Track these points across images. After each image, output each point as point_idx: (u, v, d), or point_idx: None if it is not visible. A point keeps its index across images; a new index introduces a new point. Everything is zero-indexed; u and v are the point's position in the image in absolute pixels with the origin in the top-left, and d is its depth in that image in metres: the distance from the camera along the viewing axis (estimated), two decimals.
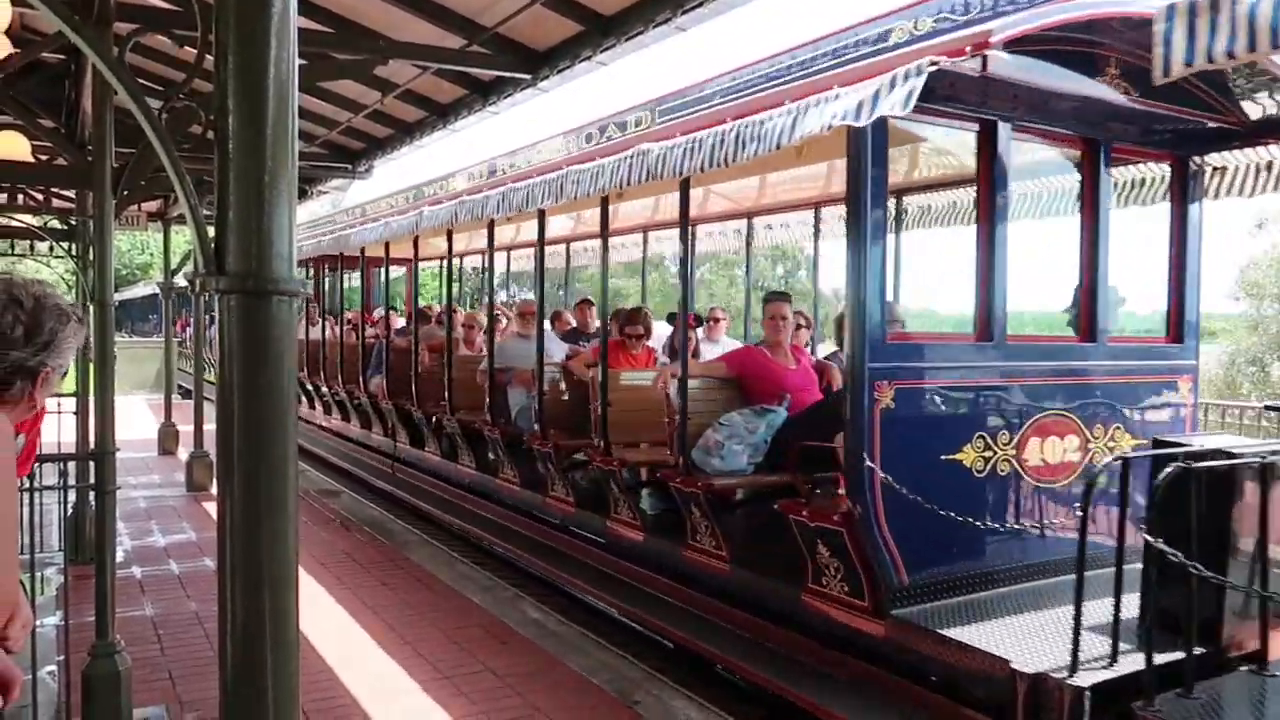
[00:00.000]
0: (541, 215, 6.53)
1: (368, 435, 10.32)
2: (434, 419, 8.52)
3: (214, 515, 6.34)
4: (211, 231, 1.51)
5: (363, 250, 10.00)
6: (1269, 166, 4.83)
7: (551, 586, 6.75)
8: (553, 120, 8.31)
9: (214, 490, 6.47)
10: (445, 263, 8.53)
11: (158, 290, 14.31)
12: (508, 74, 6.49)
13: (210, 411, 10.65)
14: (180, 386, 16.47)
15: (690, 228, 8.30)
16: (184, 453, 10.64)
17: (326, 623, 5.36)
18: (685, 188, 5.18)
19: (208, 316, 15.79)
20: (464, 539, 8.24)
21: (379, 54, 6.00)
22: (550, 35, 6.08)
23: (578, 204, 5.79)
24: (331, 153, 10.10)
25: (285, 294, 1.43)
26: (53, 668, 4.41)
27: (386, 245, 9.35)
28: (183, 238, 12.74)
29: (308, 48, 1.36)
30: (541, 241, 6.87)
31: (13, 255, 11.68)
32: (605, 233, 6.14)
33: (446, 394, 8.14)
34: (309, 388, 12.00)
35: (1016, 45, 3.48)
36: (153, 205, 11.87)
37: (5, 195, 8.53)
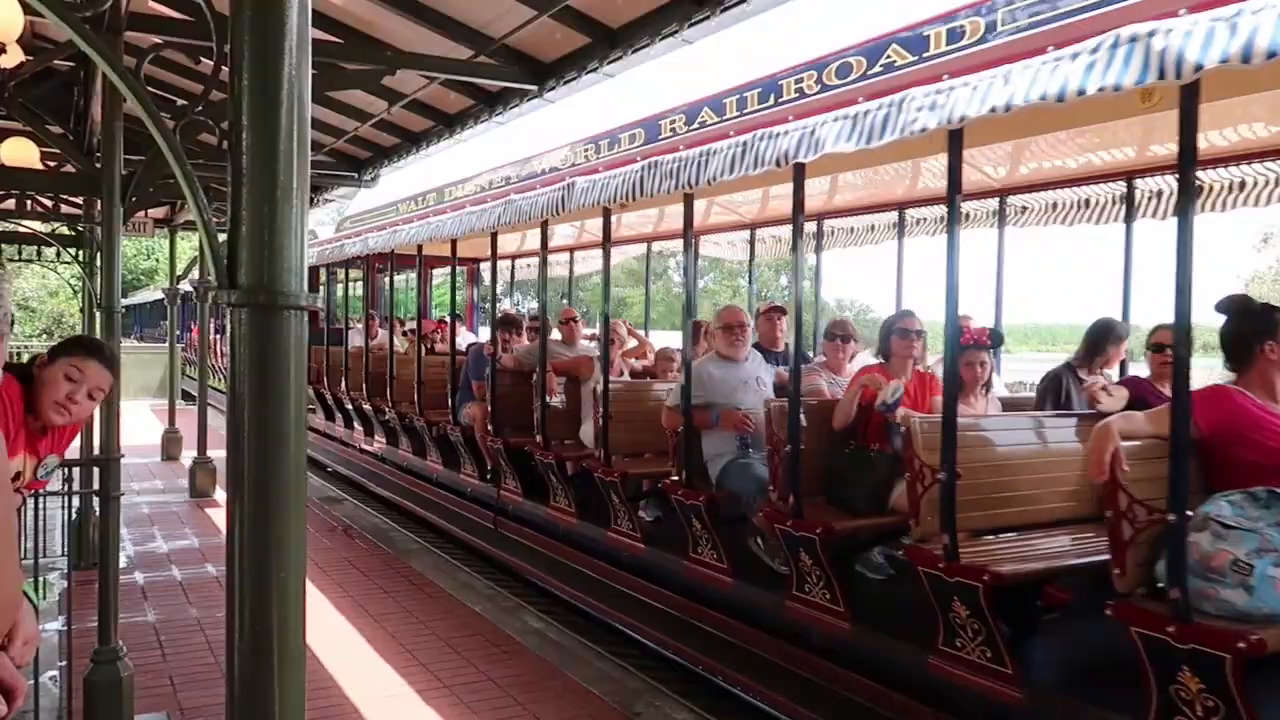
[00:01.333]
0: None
1: (455, 476, 8.26)
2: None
3: (216, 521, 6.41)
4: (222, 238, 1.53)
5: (420, 249, 8.76)
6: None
7: (557, 599, 6.75)
8: (561, 130, 8.34)
9: (216, 496, 6.54)
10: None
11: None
12: (515, 85, 6.52)
13: (213, 418, 10.68)
14: (184, 392, 16.51)
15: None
16: (187, 458, 10.66)
17: (328, 630, 5.37)
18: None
19: (213, 323, 15.83)
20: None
21: (387, 64, 6.04)
22: (557, 47, 6.11)
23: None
24: (338, 161, 10.14)
25: (296, 307, 1.45)
26: (54, 673, 4.42)
27: (453, 243, 8.04)
28: (188, 244, 12.82)
29: (318, 58, 1.37)
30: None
31: (20, 261, 11.73)
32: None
33: (593, 433, 6.22)
34: (365, 408, 10.31)
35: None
36: (159, 212, 11.92)
37: (14, 201, 8.56)
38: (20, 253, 10.99)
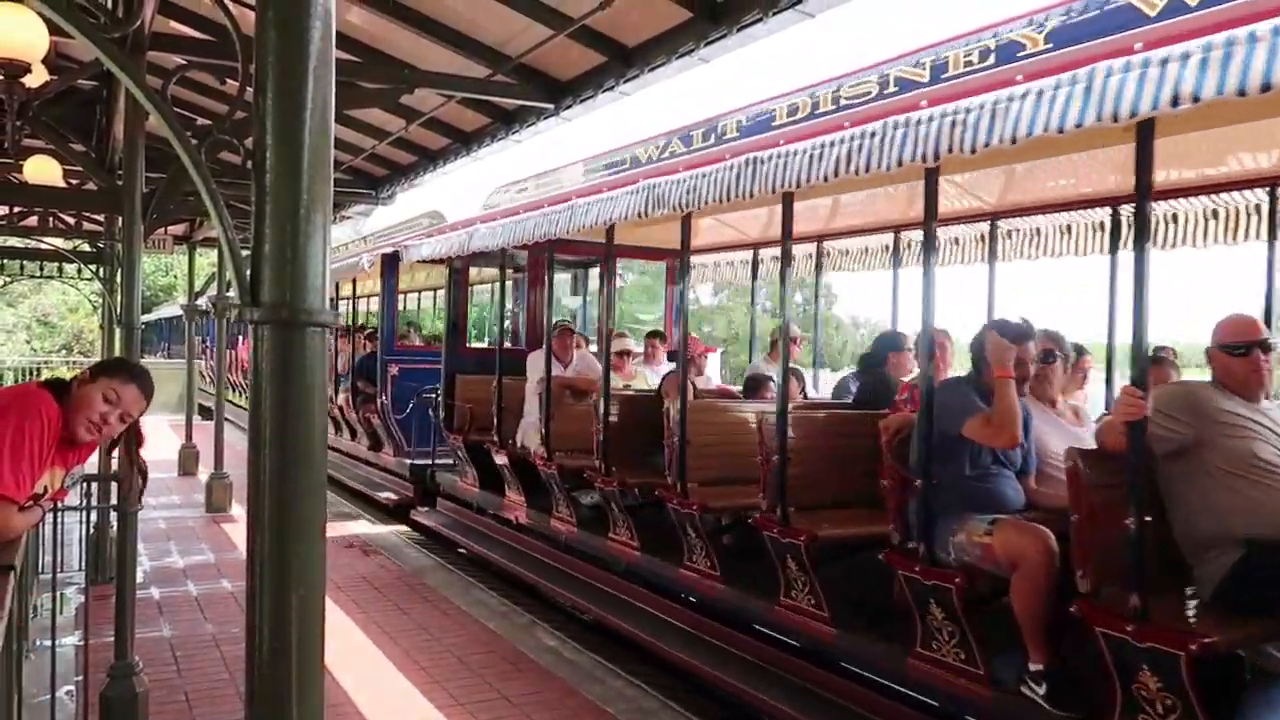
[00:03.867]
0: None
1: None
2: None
3: (232, 536, 6.42)
4: (245, 253, 1.54)
5: (610, 231, 6.09)
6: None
7: (563, 611, 6.73)
8: (574, 146, 8.31)
9: (233, 511, 6.55)
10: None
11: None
12: (531, 103, 6.56)
13: (230, 433, 10.75)
14: (201, 407, 16.59)
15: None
16: (204, 474, 10.71)
17: (342, 646, 5.37)
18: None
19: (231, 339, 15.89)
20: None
21: (405, 83, 6.08)
22: (573, 66, 6.15)
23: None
24: (355, 178, 10.22)
25: (318, 325, 1.46)
26: (70, 688, 4.43)
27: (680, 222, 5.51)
28: (207, 260, 12.91)
29: (337, 76, 1.39)
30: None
31: (41, 277, 11.86)
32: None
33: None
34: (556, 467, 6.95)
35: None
36: (179, 228, 12.03)
37: (36, 218, 8.67)
38: (42, 269, 11.11)
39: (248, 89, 1.54)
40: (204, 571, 7.20)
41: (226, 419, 10.70)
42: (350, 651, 5.32)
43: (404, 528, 9.73)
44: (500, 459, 7.80)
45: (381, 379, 10.73)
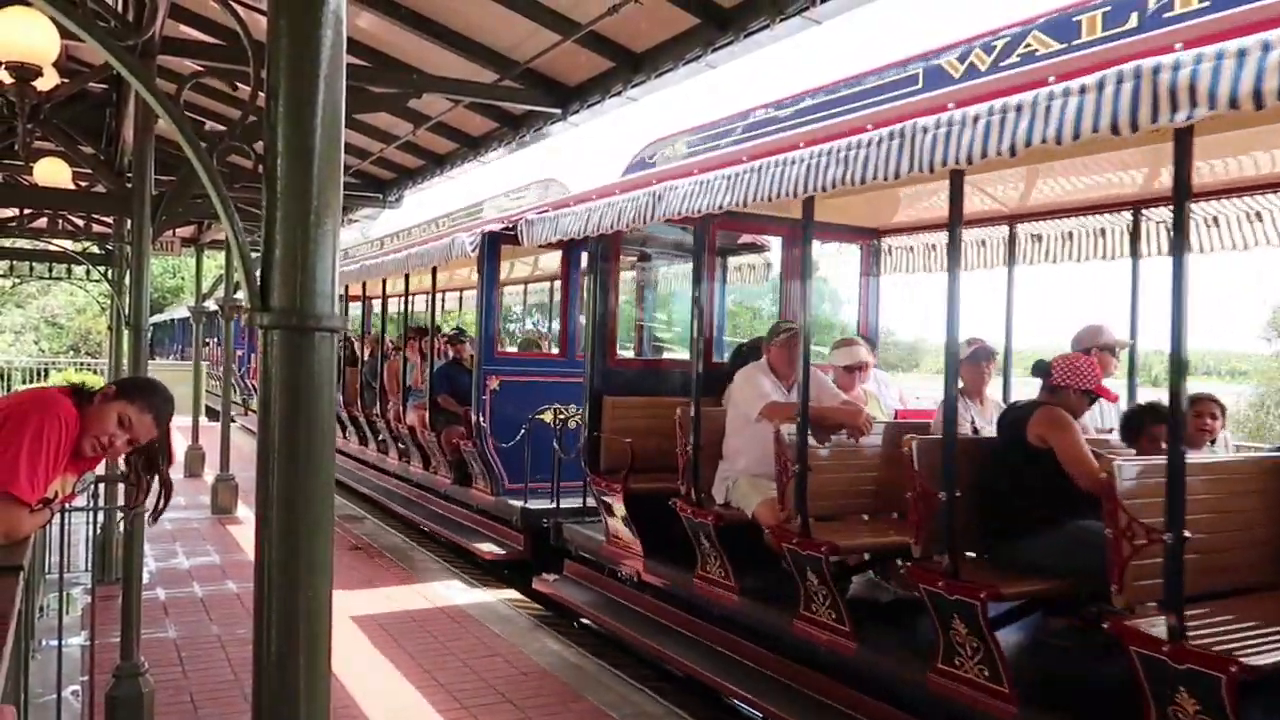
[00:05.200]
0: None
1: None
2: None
3: (238, 538, 6.43)
4: (255, 256, 1.55)
5: (809, 204, 4.66)
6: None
7: (572, 615, 6.72)
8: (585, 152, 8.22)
9: (239, 513, 6.57)
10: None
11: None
12: (539, 108, 6.58)
13: (235, 435, 10.76)
14: (207, 408, 16.63)
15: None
16: (210, 475, 10.73)
17: (347, 649, 5.37)
18: None
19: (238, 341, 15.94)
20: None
21: (413, 87, 6.11)
22: (581, 71, 6.17)
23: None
24: (363, 182, 10.25)
25: (327, 330, 1.47)
26: (76, 688, 4.45)
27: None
28: (214, 262, 12.94)
29: (346, 81, 1.40)
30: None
31: (50, 278, 11.92)
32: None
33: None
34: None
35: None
36: (186, 230, 12.08)
37: (45, 220, 8.71)
38: (51, 270, 11.17)
39: (259, 94, 1.55)
40: (209, 573, 7.22)
41: (233, 419, 10.70)
42: (355, 654, 5.33)
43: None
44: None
45: (477, 396, 8.26)
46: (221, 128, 7.47)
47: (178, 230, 11.53)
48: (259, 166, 1.48)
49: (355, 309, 14.15)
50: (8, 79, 4.04)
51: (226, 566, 7.42)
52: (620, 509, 5.97)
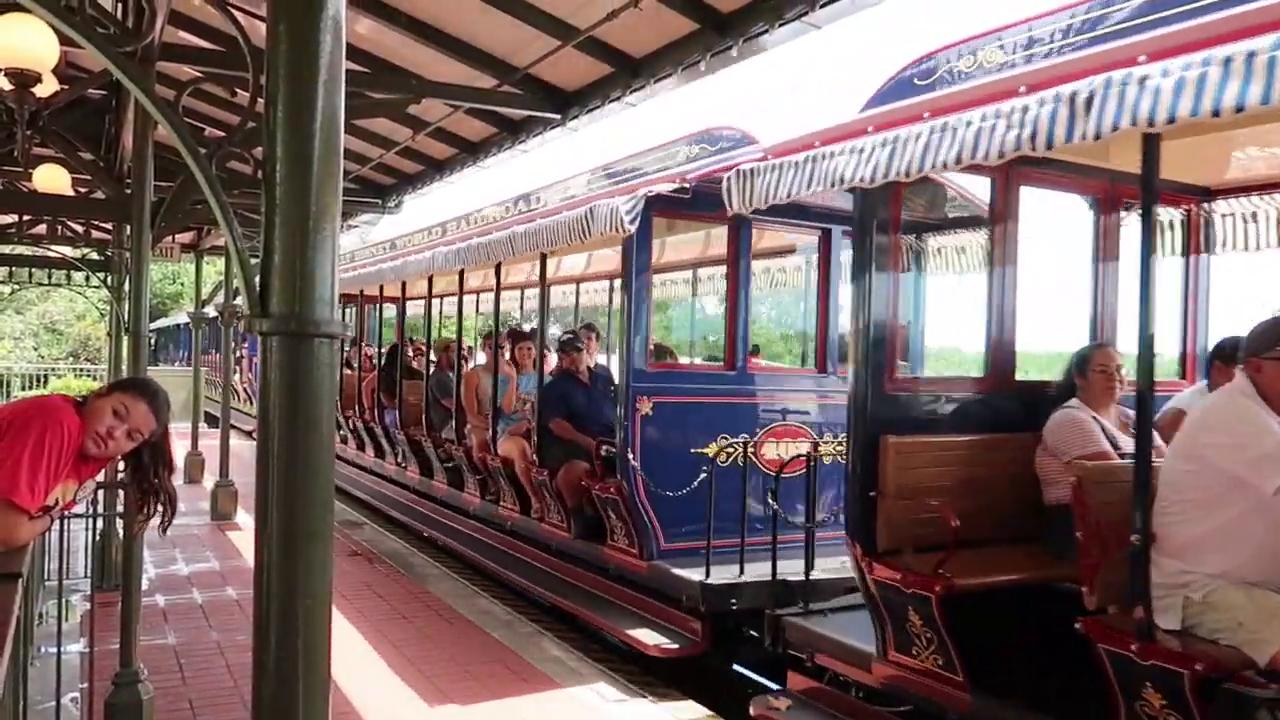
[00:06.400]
0: None
1: None
2: None
3: (237, 544, 6.40)
4: (254, 262, 1.56)
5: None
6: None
7: (572, 623, 6.70)
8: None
9: (238, 519, 6.54)
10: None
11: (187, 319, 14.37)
12: (538, 113, 6.59)
13: (235, 441, 10.76)
14: (206, 414, 16.62)
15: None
16: (209, 481, 10.72)
17: (347, 655, 5.36)
18: None
19: (238, 347, 15.93)
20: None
21: (413, 93, 6.12)
22: (580, 77, 6.18)
23: None
24: (362, 188, 10.26)
25: (326, 336, 1.47)
26: (75, 695, 4.44)
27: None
28: (214, 268, 12.93)
29: (345, 87, 1.40)
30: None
31: (49, 285, 11.92)
32: None
33: None
34: None
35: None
36: (186, 236, 12.08)
37: (45, 227, 8.72)
38: (50, 276, 11.17)
39: (258, 99, 1.55)
40: (209, 579, 7.21)
41: (233, 425, 10.68)
42: (355, 660, 5.31)
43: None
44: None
45: (625, 422, 6.04)
46: (221, 134, 7.47)
47: (177, 236, 11.52)
48: (258, 172, 1.48)
49: (352, 309, 13.89)
50: (7, 85, 4.05)
51: (226, 573, 7.41)
52: (929, 613, 3.75)
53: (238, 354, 20.77)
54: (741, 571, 5.44)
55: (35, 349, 32.66)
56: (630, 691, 5.03)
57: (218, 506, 9.60)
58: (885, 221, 4.22)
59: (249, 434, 17.41)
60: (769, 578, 5.23)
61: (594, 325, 8.82)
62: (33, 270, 11.06)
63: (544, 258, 7.28)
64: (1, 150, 6.37)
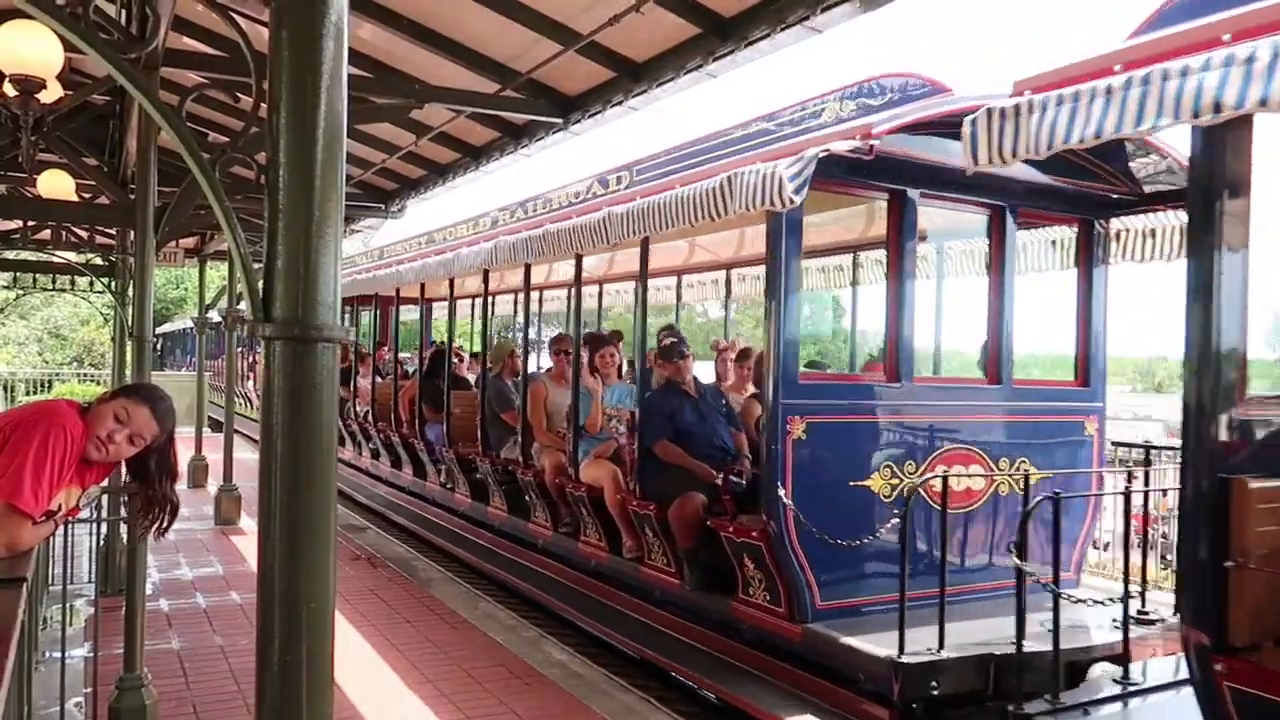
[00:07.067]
0: None
1: None
2: None
3: (241, 549, 6.39)
4: (256, 267, 1.56)
5: None
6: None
7: (574, 626, 6.69)
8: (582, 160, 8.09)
9: (242, 524, 6.54)
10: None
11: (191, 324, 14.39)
12: (540, 118, 6.60)
13: (240, 445, 10.76)
14: (210, 418, 16.64)
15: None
16: (213, 486, 10.73)
17: (350, 660, 5.36)
18: None
19: (240, 350, 15.92)
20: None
21: (416, 98, 6.13)
22: (582, 81, 6.19)
23: None
24: (365, 192, 10.27)
25: (329, 340, 1.47)
26: (80, 699, 4.44)
27: None
28: (218, 273, 12.96)
29: (349, 92, 1.40)
30: None
31: (53, 290, 11.95)
32: None
33: None
34: None
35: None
36: (190, 242, 12.11)
37: (49, 232, 8.74)
38: (54, 282, 11.19)
39: (261, 105, 1.56)
40: (213, 584, 7.21)
41: (237, 430, 10.69)
42: (358, 665, 5.31)
43: None
44: None
45: (774, 447, 4.83)
46: (224, 139, 7.50)
47: (181, 241, 11.55)
48: (261, 178, 1.49)
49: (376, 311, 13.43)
50: (12, 91, 4.06)
51: (230, 577, 7.42)
52: None
53: (250, 360, 20.66)
54: (941, 645, 4.08)
55: (40, 354, 32.73)
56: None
57: (221, 511, 9.61)
58: (1237, 179, 2.95)
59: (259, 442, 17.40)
60: (980, 650, 4.03)
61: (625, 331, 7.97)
62: (37, 275, 11.09)
63: (646, 242, 5.97)
64: (6, 156, 6.39)
